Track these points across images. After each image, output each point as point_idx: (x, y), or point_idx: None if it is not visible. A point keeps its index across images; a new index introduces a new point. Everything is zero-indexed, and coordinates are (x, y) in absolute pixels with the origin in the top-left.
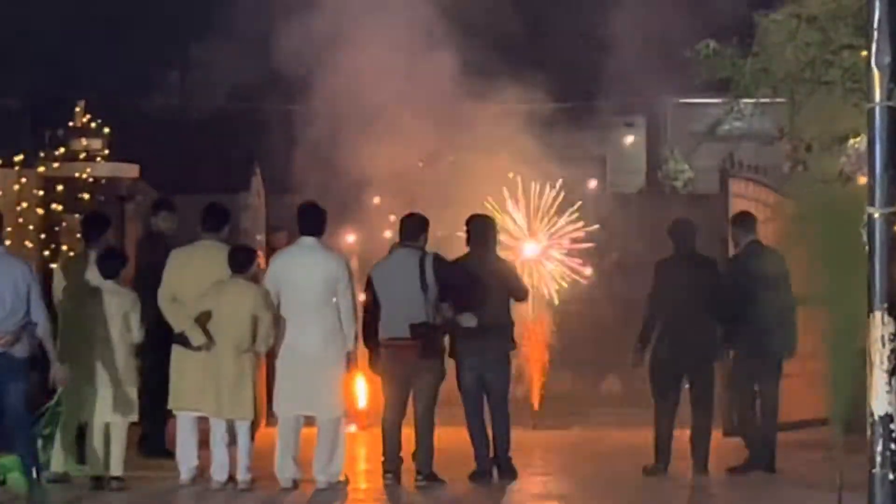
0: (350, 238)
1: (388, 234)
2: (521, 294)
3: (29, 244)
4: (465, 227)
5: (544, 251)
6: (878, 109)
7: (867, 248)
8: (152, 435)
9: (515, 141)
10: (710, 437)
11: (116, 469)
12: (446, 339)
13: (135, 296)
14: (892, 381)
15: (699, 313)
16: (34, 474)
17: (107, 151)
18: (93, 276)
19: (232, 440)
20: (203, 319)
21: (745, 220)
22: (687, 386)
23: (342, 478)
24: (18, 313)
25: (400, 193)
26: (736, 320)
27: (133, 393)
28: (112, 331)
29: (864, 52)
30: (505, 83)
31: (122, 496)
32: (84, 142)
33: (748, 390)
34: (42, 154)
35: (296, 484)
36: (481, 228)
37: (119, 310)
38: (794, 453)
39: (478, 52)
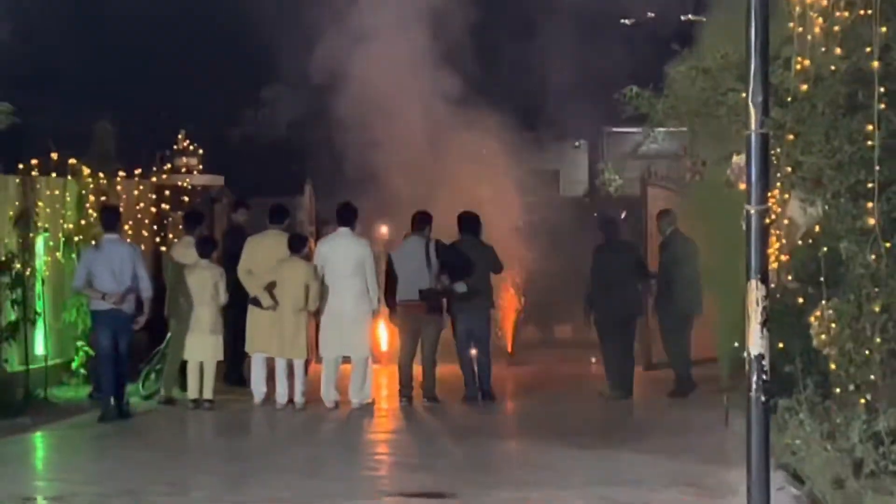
0: (383, 229)
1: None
2: (498, 269)
3: (145, 233)
4: (457, 220)
5: None
6: (753, 135)
7: (745, 234)
8: (234, 370)
9: (495, 156)
10: (633, 373)
11: (208, 394)
12: (445, 301)
13: (222, 270)
14: (764, 331)
15: (626, 283)
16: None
17: (201, 166)
18: (192, 255)
19: (290, 374)
20: (270, 287)
21: (667, 215)
22: None
23: (370, 400)
24: (126, 282)
25: (412, 196)
26: (664, 288)
27: (220, 340)
28: (205, 295)
29: (744, 94)
30: (487, 115)
31: (212, 413)
32: (185, 160)
33: (673, 338)
34: (154, 168)
35: (336, 405)
36: (469, 221)
37: (211, 280)
38: (698, 381)
39: (467, 91)
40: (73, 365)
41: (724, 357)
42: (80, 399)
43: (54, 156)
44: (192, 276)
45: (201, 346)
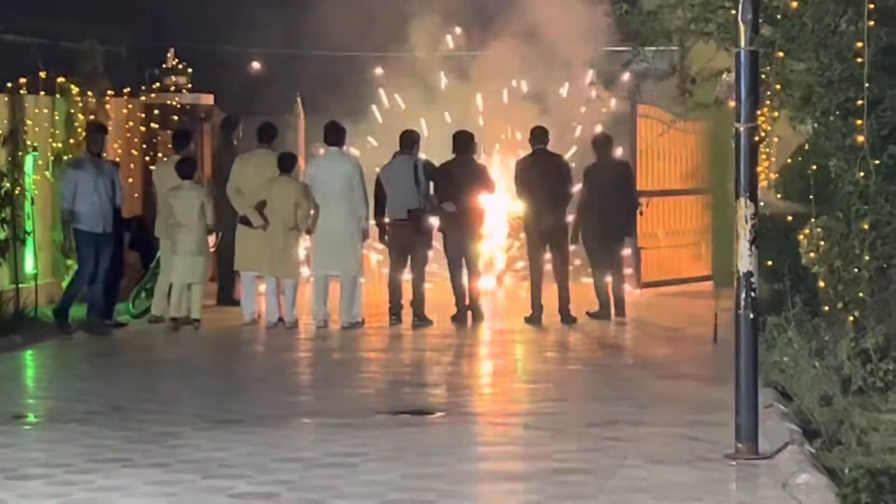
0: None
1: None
2: (490, 189)
3: (134, 152)
4: (452, 139)
5: None
6: (742, 53)
7: (735, 152)
8: (225, 289)
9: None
10: (623, 293)
11: (195, 313)
12: (436, 220)
13: (207, 189)
14: (752, 248)
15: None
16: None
17: (190, 85)
18: (176, 176)
19: (280, 292)
20: (260, 206)
21: (603, 140)
22: None
23: (360, 319)
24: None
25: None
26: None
27: (206, 261)
28: (191, 216)
29: (733, 11)
30: (491, 39)
31: (202, 332)
32: (174, 78)
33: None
34: (143, 87)
35: (326, 323)
36: (462, 140)
37: (196, 200)
38: (687, 300)
39: (459, 10)
40: (64, 283)
41: (717, 274)
42: (71, 317)
43: (42, 74)
44: (177, 197)
45: (187, 268)
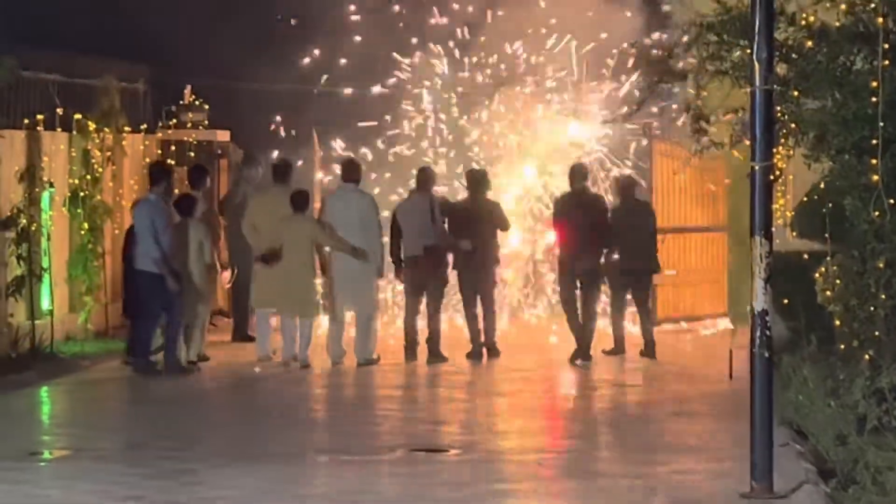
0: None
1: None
2: (505, 226)
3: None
4: (466, 177)
5: None
6: (757, 91)
7: (750, 190)
8: (240, 326)
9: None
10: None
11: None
12: (450, 257)
13: (206, 227)
14: (767, 287)
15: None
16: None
17: (206, 121)
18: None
19: (296, 329)
20: (276, 244)
21: (627, 183)
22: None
23: (376, 357)
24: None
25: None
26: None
27: (203, 301)
28: (189, 254)
29: (748, 50)
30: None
31: (217, 370)
32: (190, 115)
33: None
34: (160, 124)
35: (342, 361)
36: (476, 179)
37: (194, 237)
38: (703, 337)
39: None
40: (80, 320)
41: (733, 312)
42: (87, 354)
43: (60, 111)
44: (178, 235)
45: (186, 307)
